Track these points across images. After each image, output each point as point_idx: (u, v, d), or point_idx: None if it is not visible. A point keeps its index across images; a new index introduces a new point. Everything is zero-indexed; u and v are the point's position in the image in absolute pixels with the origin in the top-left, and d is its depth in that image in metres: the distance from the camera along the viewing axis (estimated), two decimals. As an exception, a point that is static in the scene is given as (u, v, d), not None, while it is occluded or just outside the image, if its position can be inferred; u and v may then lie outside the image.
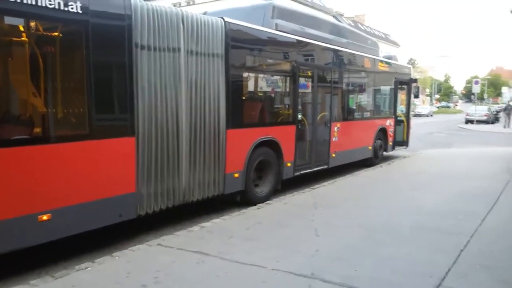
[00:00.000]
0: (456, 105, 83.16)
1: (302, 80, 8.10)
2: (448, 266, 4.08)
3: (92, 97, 4.47)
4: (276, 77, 7.84)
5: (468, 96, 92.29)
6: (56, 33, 4.35)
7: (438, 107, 73.08)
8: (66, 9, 4.19)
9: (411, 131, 13.29)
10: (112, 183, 4.71)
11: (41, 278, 3.90)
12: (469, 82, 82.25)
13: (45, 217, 4.06)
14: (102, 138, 4.57)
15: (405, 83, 12.66)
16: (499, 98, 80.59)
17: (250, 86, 7.24)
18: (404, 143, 12.72)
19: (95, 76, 4.49)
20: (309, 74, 8.32)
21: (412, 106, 14.45)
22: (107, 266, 4.09)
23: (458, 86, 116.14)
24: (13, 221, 3.85)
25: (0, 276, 4.07)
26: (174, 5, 32.41)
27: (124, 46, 4.75)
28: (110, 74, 4.76)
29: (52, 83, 4.35)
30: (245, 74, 6.79)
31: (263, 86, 7.69)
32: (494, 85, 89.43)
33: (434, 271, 3.97)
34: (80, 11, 4.30)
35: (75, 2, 4.25)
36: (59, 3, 4.12)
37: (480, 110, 35.30)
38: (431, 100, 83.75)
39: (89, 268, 4.00)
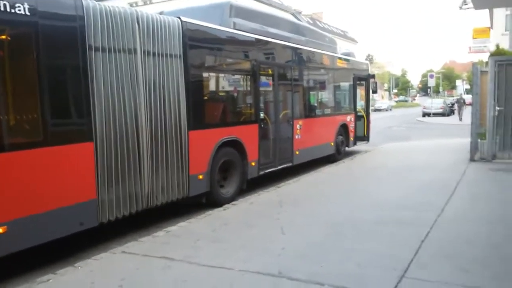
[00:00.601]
0: (414, 99, 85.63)
1: (263, 79, 8.11)
2: (410, 257, 4.18)
3: (45, 102, 4.28)
4: (237, 76, 7.82)
5: (424, 89, 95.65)
6: (3, 36, 4.14)
7: (396, 102, 75.36)
8: (13, 11, 3.99)
9: (371, 125, 13.63)
10: (72, 191, 4.54)
11: (-2, 294, 3.71)
12: (424, 76, 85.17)
13: (0, 230, 3.86)
14: (58, 144, 4.39)
15: (364, 79, 12.94)
16: (454, 90, 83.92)
17: (211, 86, 7.19)
18: (365, 138, 13.01)
19: (48, 80, 4.32)
20: (270, 72, 8.35)
21: (371, 101, 14.81)
22: (70, 277, 3.94)
23: (415, 80, 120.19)
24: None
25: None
26: (131, 5, 31.74)
27: (77, 48, 4.59)
28: (64, 77, 4.59)
29: (2, 88, 4.13)
30: (205, 74, 6.73)
31: (224, 85, 7.66)
32: (448, 78, 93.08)
33: (397, 263, 4.06)
34: (28, 13, 4.11)
35: (23, 4, 4.06)
36: (4, 5, 3.92)
37: (436, 103, 36.58)
38: (389, 94, 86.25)
39: (51, 280, 3.84)
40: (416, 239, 4.69)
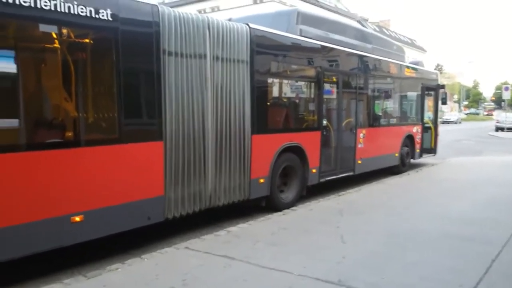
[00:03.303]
0: (492, 114, 78.21)
1: (327, 86, 8.07)
2: (479, 275, 3.96)
3: (122, 102, 4.58)
4: (301, 83, 7.84)
5: (498, 102, 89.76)
6: (87, 40, 4.49)
7: (466, 114, 71.41)
8: (97, 16, 4.31)
9: (439, 138, 13.03)
10: (141, 186, 4.80)
11: (73, 277, 4.00)
12: (498, 88, 79.92)
13: (77, 218, 4.18)
14: (131, 142, 4.67)
15: (432, 89, 12.44)
16: (531, 104, 77.94)
17: (275, 92, 7.28)
18: (432, 150, 12.47)
19: (125, 82, 4.61)
20: (334, 80, 8.30)
21: (439, 113, 14.17)
22: (137, 267, 4.17)
23: (488, 92, 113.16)
24: (48, 221, 3.97)
25: (35, 275, 4.21)
26: (199, 12, 32.90)
27: (153, 52, 4.86)
28: (139, 80, 4.87)
29: (83, 88, 4.47)
30: (270, 80, 6.83)
31: (288, 92, 7.71)
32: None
33: (463, 279, 3.87)
34: (110, 19, 4.42)
35: (106, 10, 4.37)
36: (90, 11, 4.25)
37: (511, 117, 34.22)
38: (459, 106, 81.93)
39: (119, 269, 4.08)
40: (486, 257, 4.43)
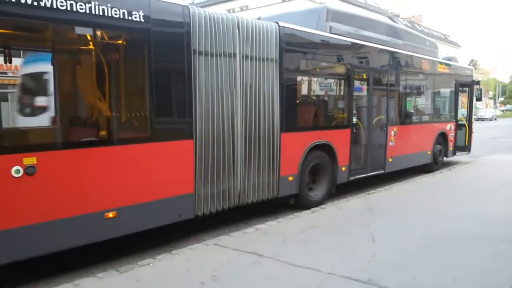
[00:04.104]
0: None
1: (357, 83, 7.99)
2: (515, 277, 3.85)
3: (153, 102, 4.67)
4: (330, 80, 7.79)
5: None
6: (120, 41, 4.61)
7: (502, 111, 68.96)
8: (129, 18, 4.42)
9: (473, 135, 12.64)
10: (172, 184, 4.89)
11: (106, 271, 4.13)
12: (537, 83, 76.77)
13: (111, 215, 4.30)
14: (163, 141, 4.77)
15: (467, 86, 12.10)
16: None
17: (304, 90, 7.25)
18: (465, 148, 12.13)
19: (157, 82, 4.70)
20: (364, 76, 8.19)
21: (474, 110, 13.76)
22: (167, 263, 4.26)
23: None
24: (83, 217, 4.12)
25: (69, 268, 4.37)
26: (228, 11, 33.08)
27: (184, 52, 4.93)
28: (171, 80, 4.96)
29: (117, 88, 4.61)
30: (299, 78, 6.81)
31: (317, 89, 7.68)
32: None
33: (498, 281, 3.77)
34: (143, 20, 4.52)
35: (138, 11, 4.47)
36: (123, 13, 4.36)
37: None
38: (494, 103, 79.15)
39: (151, 264, 4.18)
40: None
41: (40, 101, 5.82)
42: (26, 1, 3.66)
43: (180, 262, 4.28)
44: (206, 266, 4.13)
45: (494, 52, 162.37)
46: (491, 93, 77.41)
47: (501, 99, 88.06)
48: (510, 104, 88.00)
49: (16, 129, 5.35)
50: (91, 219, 4.17)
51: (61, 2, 3.87)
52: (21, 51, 5.64)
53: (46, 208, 3.88)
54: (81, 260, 4.53)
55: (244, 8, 39.25)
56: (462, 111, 12.25)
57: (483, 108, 54.85)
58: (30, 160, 3.72)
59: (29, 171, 3.71)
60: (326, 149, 7.08)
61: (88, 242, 4.24)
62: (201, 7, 5.55)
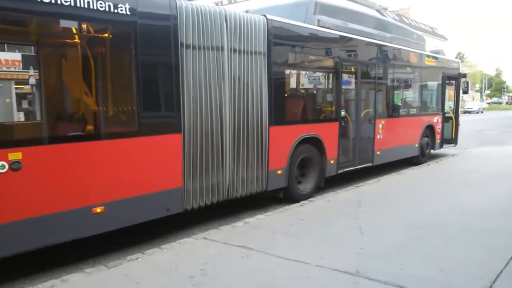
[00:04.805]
0: None
1: (345, 76, 8.00)
2: (499, 267, 3.91)
3: (141, 96, 4.63)
4: (319, 74, 7.80)
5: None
6: (106, 34, 4.55)
7: (489, 103, 69.88)
8: (115, 11, 4.36)
9: (460, 128, 12.78)
10: (161, 178, 4.87)
11: (95, 267, 4.10)
12: (523, 76, 77.68)
13: (98, 210, 4.27)
14: (150, 135, 4.74)
15: (454, 78, 12.22)
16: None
17: (293, 83, 7.25)
18: (452, 141, 12.27)
19: (144, 75, 4.66)
20: (353, 70, 8.22)
21: (461, 102, 13.90)
22: (156, 257, 4.24)
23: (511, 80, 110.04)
24: (70, 212, 4.08)
25: (57, 264, 4.34)
26: (216, 4, 32.94)
27: (171, 45, 4.89)
28: (158, 73, 4.92)
29: (103, 82, 4.56)
30: (288, 71, 6.81)
31: (306, 83, 7.68)
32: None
33: (484, 272, 3.83)
34: (129, 13, 4.46)
35: (124, 4, 4.41)
36: (109, 6, 4.30)
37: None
38: (481, 96, 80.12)
39: (139, 259, 4.17)
40: (507, 249, 4.36)
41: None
42: (9, -6, 3.59)
43: (169, 256, 4.27)
44: (195, 260, 4.13)
45: (482, 45, 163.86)
46: (477, 86, 78.31)
47: (488, 92, 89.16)
48: (496, 96, 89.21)
49: (1, 124, 5.28)
50: (78, 214, 4.13)
51: (45, -6, 3.80)
52: (5, 45, 5.55)
53: (32, 204, 3.83)
54: (69, 256, 4.50)
55: (232, 1, 39.05)
56: (449, 104, 12.36)
57: (470, 101, 55.46)
58: (15, 155, 3.67)
59: (15, 166, 3.66)
60: (314, 142, 7.10)
61: (76, 237, 4.20)
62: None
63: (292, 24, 6.62)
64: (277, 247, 4.48)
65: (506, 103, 79.15)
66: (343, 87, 7.89)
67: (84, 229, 4.23)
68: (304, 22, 7.04)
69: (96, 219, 4.27)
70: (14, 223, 3.72)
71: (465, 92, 12.93)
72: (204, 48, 5.23)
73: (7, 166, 3.62)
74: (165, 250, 4.44)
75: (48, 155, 3.94)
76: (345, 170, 7.93)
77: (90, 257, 4.54)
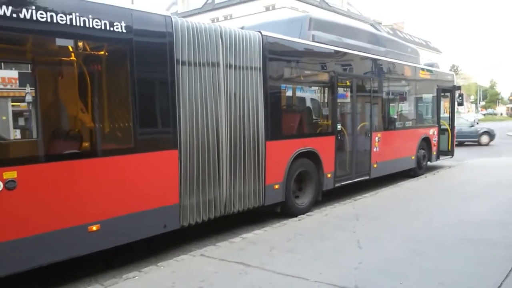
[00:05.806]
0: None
1: (340, 90, 8.06)
2: (499, 280, 3.90)
3: (137, 113, 4.64)
4: (315, 88, 7.84)
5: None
6: (102, 52, 4.57)
7: (484, 115, 70.24)
8: (111, 29, 4.39)
9: (456, 140, 12.84)
10: (157, 195, 4.84)
11: (91, 286, 4.06)
12: (517, 87, 78.30)
13: (94, 228, 4.24)
14: (147, 151, 4.73)
15: (448, 91, 12.32)
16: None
17: (289, 98, 7.29)
18: (449, 152, 12.31)
19: (140, 92, 4.67)
20: (348, 84, 8.27)
21: (456, 114, 13.98)
22: (153, 275, 4.20)
23: (506, 92, 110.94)
24: (66, 231, 4.04)
25: (52, 283, 4.27)
26: (212, 21, 33.20)
27: (166, 62, 4.92)
28: (154, 90, 4.93)
29: (99, 99, 4.56)
30: (283, 86, 6.84)
31: (301, 97, 7.71)
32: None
33: (484, 285, 3.81)
34: (124, 30, 4.49)
35: (120, 22, 4.45)
36: (105, 24, 4.33)
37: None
38: (476, 107, 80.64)
39: (136, 277, 4.13)
40: (506, 261, 4.35)
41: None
42: (5, 13, 3.62)
43: (166, 274, 4.23)
44: (193, 278, 4.08)
45: (475, 57, 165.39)
46: (472, 97, 78.88)
47: (483, 103, 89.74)
48: (491, 108, 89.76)
49: (-4, 142, 5.26)
50: (74, 232, 4.09)
51: (41, 13, 3.84)
52: (2, 63, 5.57)
53: (28, 223, 3.80)
54: (66, 275, 4.45)
55: (228, 17, 39.40)
56: (445, 116, 12.44)
57: (465, 112, 55.75)
58: (10, 174, 3.66)
59: (10, 185, 3.64)
60: (311, 156, 7.10)
61: (72, 256, 4.16)
62: (185, 16, 5.57)
63: (287, 39, 6.68)
64: (275, 262, 4.45)
65: (507, 114, 79.29)
66: (339, 101, 7.93)
67: (80, 248, 4.19)
68: (299, 38, 7.11)
69: (92, 237, 4.23)
70: (9, 243, 3.68)
71: (460, 104, 13.02)
72: (200, 64, 5.26)
73: (2, 185, 3.59)
74: (162, 267, 4.40)
75: (44, 173, 3.92)
76: (342, 183, 7.92)
77: (86, 276, 4.49)
